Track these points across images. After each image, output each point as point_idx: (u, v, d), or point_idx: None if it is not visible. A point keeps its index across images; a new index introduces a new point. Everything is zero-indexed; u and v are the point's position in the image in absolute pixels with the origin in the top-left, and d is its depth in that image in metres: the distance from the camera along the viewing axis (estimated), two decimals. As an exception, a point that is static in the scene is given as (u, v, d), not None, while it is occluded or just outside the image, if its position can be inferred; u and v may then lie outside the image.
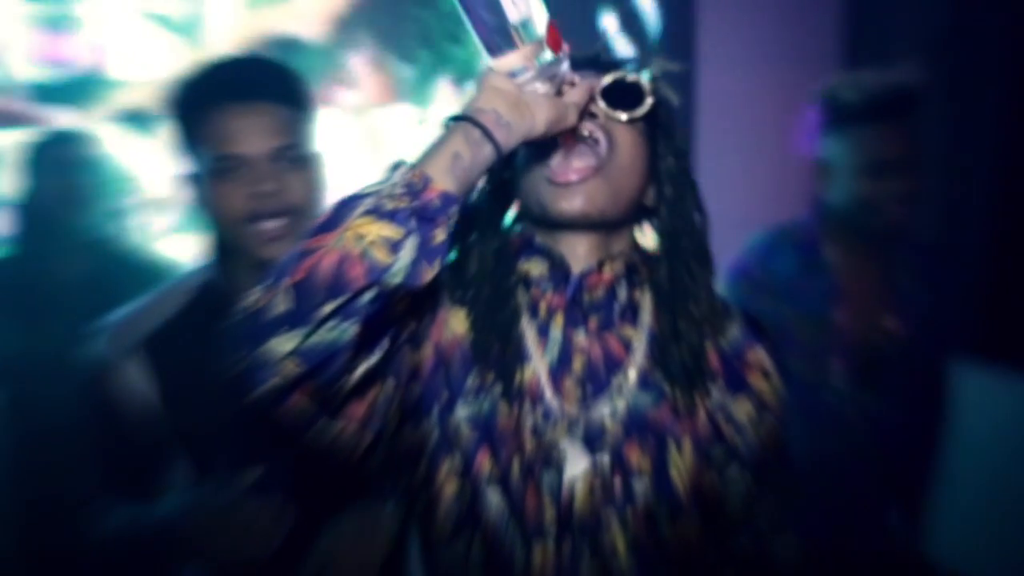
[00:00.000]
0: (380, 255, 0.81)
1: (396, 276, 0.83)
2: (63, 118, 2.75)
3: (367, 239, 0.81)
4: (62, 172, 2.35)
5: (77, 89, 2.80)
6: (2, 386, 2.30)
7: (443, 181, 0.86)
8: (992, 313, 2.45)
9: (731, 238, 1.93)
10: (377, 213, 0.83)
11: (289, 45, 2.87)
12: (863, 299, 1.89)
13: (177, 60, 2.81)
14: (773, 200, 2.41)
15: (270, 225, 1.24)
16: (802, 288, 1.89)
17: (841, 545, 1.86)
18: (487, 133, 0.88)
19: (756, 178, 2.71)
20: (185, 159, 1.30)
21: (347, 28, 2.90)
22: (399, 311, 0.89)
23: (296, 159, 1.29)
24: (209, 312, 1.27)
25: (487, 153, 0.89)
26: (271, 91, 1.29)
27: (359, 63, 2.92)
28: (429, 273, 0.85)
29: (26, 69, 2.79)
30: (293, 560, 1.28)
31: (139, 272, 2.28)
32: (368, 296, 0.82)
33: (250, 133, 1.24)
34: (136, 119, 2.83)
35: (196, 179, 1.29)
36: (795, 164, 1.99)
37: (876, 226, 1.85)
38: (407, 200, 0.84)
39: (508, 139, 0.90)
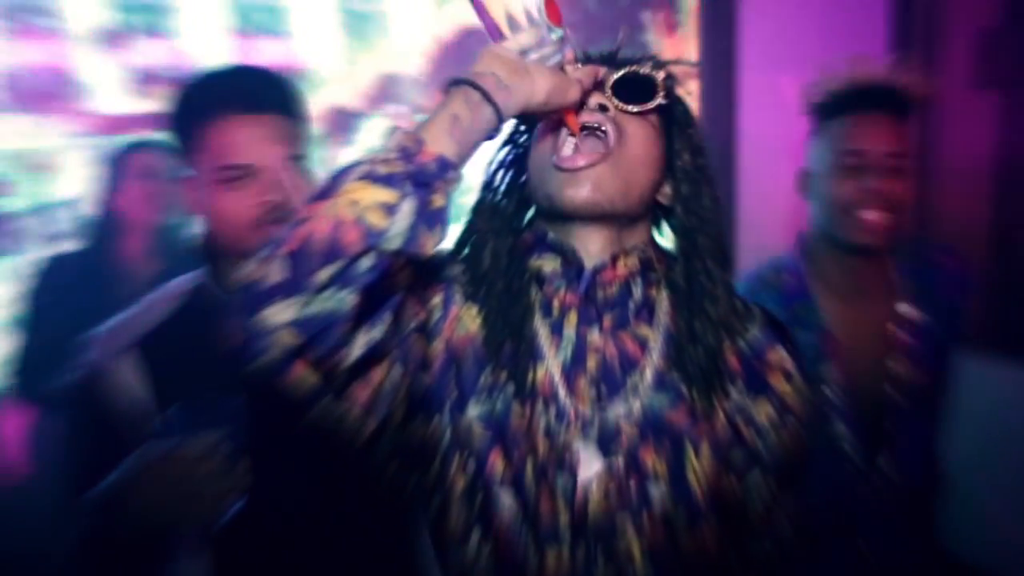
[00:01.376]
0: (375, 219, 0.81)
1: (393, 241, 0.82)
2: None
3: (362, 204, 0.81)
4: (144, 177, 2.44)
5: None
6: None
7: (440, 143, 0.86)
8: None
9: (774, 244, 1.87)
10: (371, 178, 0.82)
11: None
12: (860, 345, 1.64)
13: (368, 58, 2.85)
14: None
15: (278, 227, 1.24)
16: None
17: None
18: (486, 95, 0.89)
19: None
20: (185, 166, 1.30)
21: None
22: (401, 282, 0.88)
23: (300, 169, 1.29)
24: (202, 313, 1.29)
25: (487, 116, 0.90)
26: (277, 102, 1.29)
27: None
28: (430, 240, 0.84)
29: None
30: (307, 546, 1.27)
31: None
32: (366, 263, 0.81)
33: (259, 143, 1.25)
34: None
35: (196, 185, 1.29)
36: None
37: (852, 237, 1.59)
38: (401, 164, 0.84)
39: (508, 103, 0.91)
